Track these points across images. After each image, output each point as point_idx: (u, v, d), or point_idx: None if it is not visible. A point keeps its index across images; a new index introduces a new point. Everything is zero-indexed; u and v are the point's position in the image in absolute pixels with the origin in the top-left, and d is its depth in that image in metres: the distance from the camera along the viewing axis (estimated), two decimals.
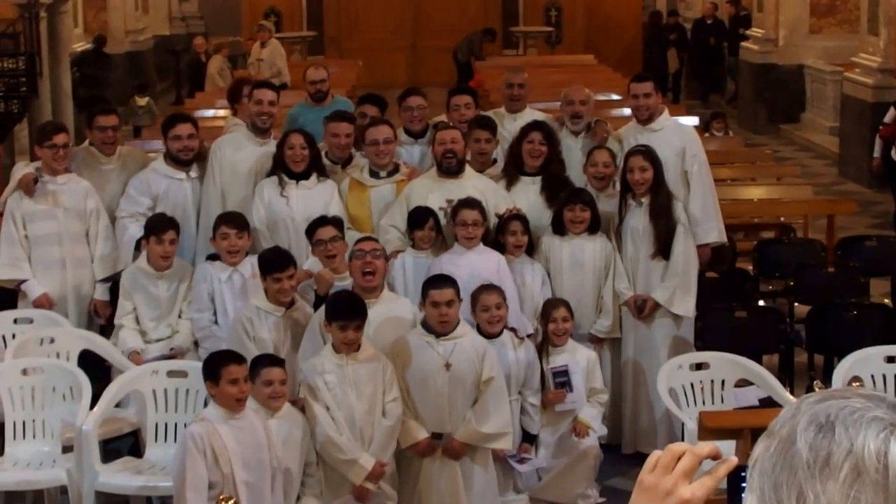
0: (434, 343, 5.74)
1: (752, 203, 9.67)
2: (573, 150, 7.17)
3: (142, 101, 15.65)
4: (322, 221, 6.39)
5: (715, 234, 7.07)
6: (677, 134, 7.16)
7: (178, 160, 7.08)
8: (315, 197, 6.81)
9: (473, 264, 6.31)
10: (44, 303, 6.92)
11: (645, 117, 7.12)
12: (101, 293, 7.01)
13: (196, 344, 6.53)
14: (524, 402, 6.14)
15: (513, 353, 6.06)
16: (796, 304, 7.74)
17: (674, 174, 6.95)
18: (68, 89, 14.22)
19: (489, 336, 5.99)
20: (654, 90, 7.14)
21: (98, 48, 17.19)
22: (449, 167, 6.75)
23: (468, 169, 6.85)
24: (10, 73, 13.30)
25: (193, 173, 7.13)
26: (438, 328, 5.73)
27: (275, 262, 6.01)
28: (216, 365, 5.23)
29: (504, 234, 6.59)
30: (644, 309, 6.70)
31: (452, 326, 5.75)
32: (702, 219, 6.96)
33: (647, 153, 6.68)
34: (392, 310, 6.00)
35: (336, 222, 6.43)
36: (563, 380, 6.18)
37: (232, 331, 6.09)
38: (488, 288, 6.04)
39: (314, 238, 6.35)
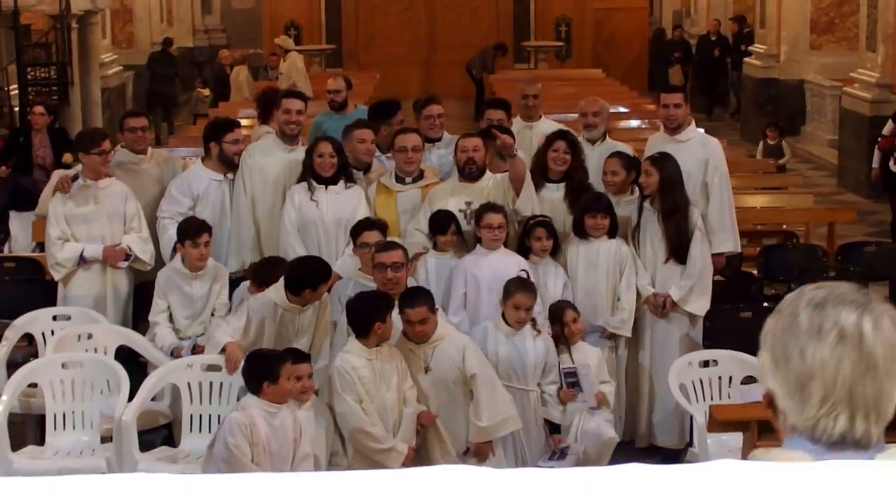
0: (415, 349, 5.95)
1: (755, 210, 9.95)
2: (589, 158, 7.44)
3: (204, 91, 17.80)
4: (369, 224, 6.62)
5: (730, 244, 7.37)
6: (703, 146, 7.46)
7: (229, 163, 7.36)
8: (344, 201, 7.07)
9: (496, 265, 6.56)
10: (113, 252, 7.12)
11: (674, 126, 7.43)
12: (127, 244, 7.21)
13: None
14: (544, 392, 6.35)
15: (531, 343, 6.28)
16: None
17: (696, 184, 7.24)
18: (98, 98, 14.57)
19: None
20: (683, 101, 7.47)
21: (165, 49, 18.33)
22: (470, 173, 7.05)
23: (488, 174, 7.11)
24: (42, 83, 13.62)
25: (231, 175, 7.42)
26: (419, 340, 5.94)
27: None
28: (274, 364, 5.46)
29: (529, 239, 6.86)
30: (665, 305, 6.96)
31: (428, 337, 5.94)
32: (718, 229, 7.25)
33: (652, 159, 6.97)
34: None
35: (381, 227, 6.65)
36: (572, 380, 6.40)
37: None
38: (528, 288, 6.27)
39: (359, 240, 6.56)
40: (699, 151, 7.38)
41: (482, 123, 7.80)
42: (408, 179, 7.24)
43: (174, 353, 6.68)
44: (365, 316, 5.77)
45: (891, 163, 11.14)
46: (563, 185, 7.24)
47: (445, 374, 5.92)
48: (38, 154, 10.58)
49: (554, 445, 6.29)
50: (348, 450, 5.85)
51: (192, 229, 6.83)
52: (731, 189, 7.52)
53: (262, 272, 6.65)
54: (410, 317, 5.86)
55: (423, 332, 5.89)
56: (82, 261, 7.20)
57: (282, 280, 6.24)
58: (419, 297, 5.93)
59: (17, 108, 13.27)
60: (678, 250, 6.94)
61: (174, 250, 7.07)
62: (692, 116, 7.77)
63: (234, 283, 7.07)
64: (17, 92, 13.34)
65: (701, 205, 7.20)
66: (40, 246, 8.22)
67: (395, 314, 5.88)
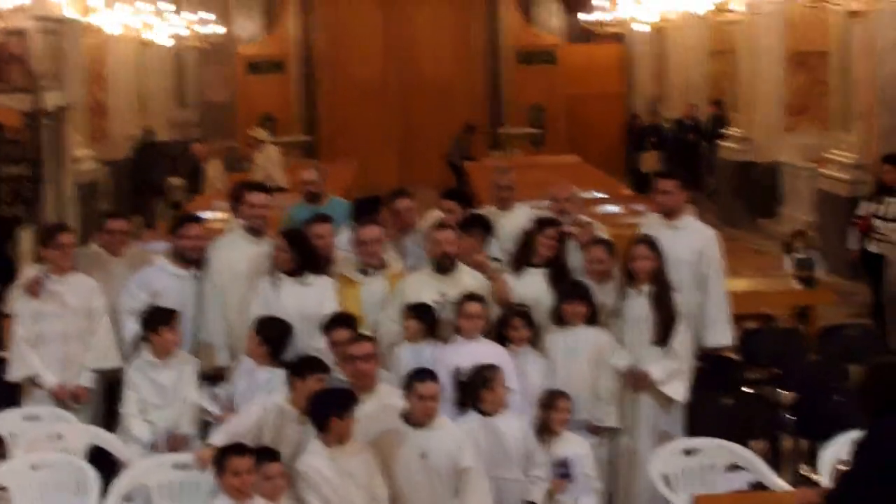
0: (412, 434, 5.91)
1: (734, 295, 9.88)
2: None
3: (178, 181, 17.97)
4: (339, 322, 6.62)
5: (727, 338, 7.42)
6: (699, 236, 7.46)
7: (186, 258, 7.35)
8: (308, 293, 7.05)
9: (476, 354, 6.51)
10: (60, 392, 7.11)
11: (664, 212, 7.44)
12: (87, 380, 7.21)
13: (205, 427, 6.68)
14: (528, 474, 6.22)
15: (506, 425, 6.21)
16: (781, 390, 7.94)
17: (690, 274, 7.26)
18: (71, 193, 14.61)
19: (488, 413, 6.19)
20: (675, 188, 7.43)
21: (146, 139, 18.58)
22: (444, 266, 7.05)
23: (461, 265, 7.13)
24: (14, 179, 13.67)
25: (196, 272, 7.40)
26: (423, 421, 5.90)
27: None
28: (220, 457, 5.50)
29: (507, 329, 6.84)
30: (642, 379, 6.87)
31: (432, 418, 5.92)
32: (716, 321, 7.31)
33: (650, 243, 6.98)
34: (386, 403, 6.13)
35: (350, 322, 6.64)
36: (563, 471, 6.32)
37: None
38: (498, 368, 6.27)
39: (331, 338, 6.56)
40: (696, 241, 7.40)
41: (441, 213, 7.85)
42: (371, 271, 7.26)
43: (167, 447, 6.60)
44: (321, 410, 5.75)
45: (866, 243, 11.16)
46: (544, 270, 7.23)
47: (441, 461, 5.88)
48: None
49: None
50: None
51: (166, 315, 6.83)
52: (724, 280, 7.50)
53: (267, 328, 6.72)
54: (423, 392, 5.85)
55: (433, 410, 5.86)
56: (33, 382, 7.18)
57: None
58: (430, 373, 5.95)
59: None
60: (666, 334, 6.89)
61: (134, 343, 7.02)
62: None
63: (205, 379, 6.98)
64: None
65: (694, 295, 7.20)
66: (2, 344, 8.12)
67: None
